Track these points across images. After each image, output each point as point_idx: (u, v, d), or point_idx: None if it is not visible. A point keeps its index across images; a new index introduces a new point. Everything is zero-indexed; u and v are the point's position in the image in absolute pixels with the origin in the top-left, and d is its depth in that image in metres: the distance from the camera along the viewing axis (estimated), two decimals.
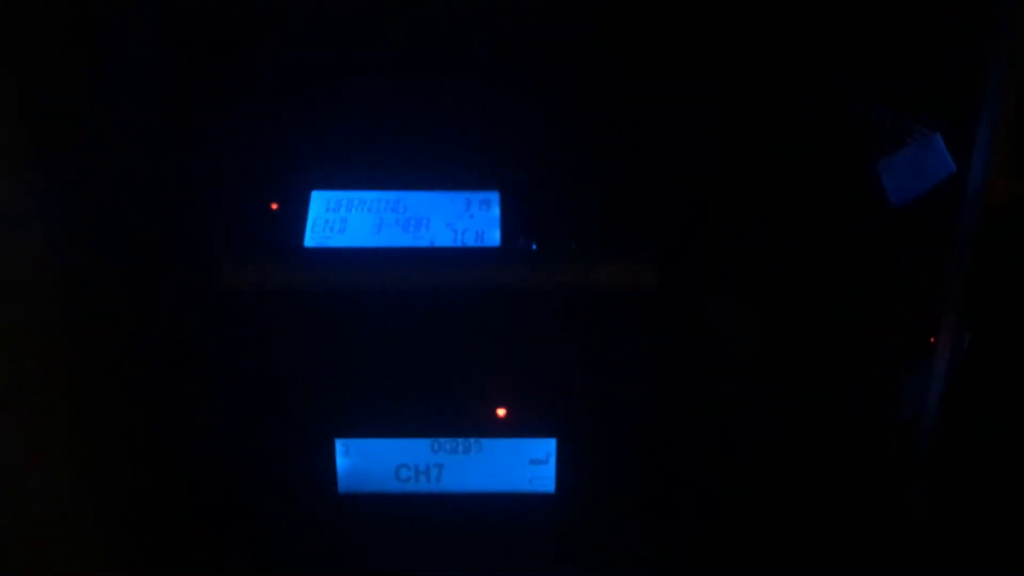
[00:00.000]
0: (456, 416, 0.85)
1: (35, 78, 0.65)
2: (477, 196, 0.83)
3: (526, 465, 0.85)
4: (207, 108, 0.81)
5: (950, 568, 0.80)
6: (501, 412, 0.85)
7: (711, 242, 0.82)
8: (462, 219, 0.82)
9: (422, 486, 0.86)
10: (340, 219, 0.82)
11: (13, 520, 0.65)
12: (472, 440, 0.85)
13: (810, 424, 0.84)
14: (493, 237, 0.82)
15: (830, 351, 0.82)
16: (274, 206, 0.83)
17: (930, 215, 0.73)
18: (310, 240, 0.81)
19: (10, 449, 0.65)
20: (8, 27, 0.63)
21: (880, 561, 0.83)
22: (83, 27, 0.72)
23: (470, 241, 0.81)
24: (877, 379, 0.81)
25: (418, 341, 0.84)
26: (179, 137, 0.80)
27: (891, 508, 0.81)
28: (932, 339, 0.75)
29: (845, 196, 0.77)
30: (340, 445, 0.85)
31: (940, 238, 0.73)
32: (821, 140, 0.79)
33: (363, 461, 0.85)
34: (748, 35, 0.79)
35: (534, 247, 0.81)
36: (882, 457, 0.82)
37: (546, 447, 0.85)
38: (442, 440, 0.85)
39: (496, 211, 0.83)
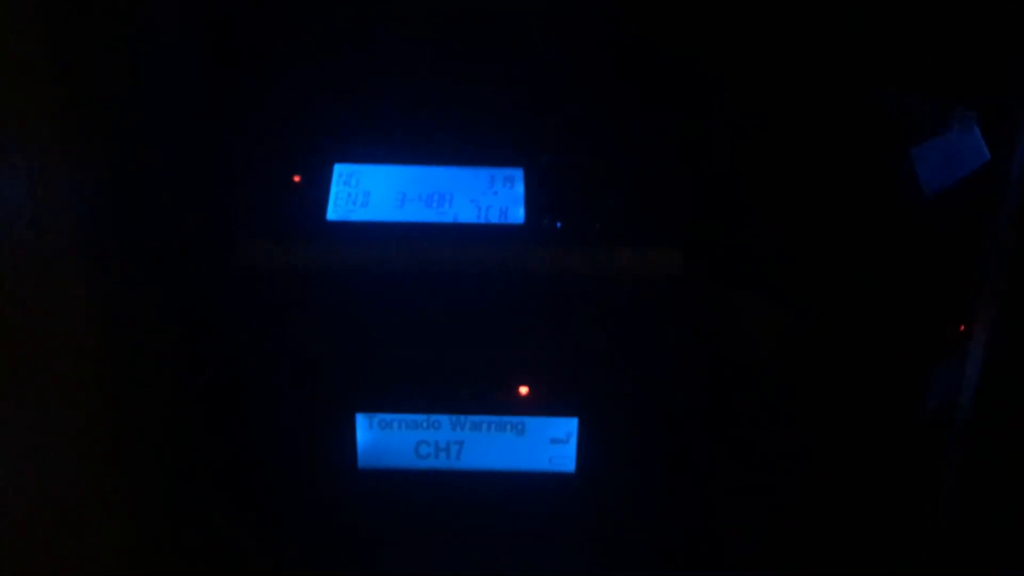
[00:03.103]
0: (478, 394, 0.84)
1: (65, 63, 0.65)
2: (501, 172, 0.82)
3: (547, 444, 0.85)
4: (231, 82, 0.80)
5: (978, 570, 0.79)
6: (523, 390, 0.84)
7: (738, 228, 0.81)
8: (486, 195, 0.81)
9: (442, 463, 0.85)
10: (363, 193, 0.82)
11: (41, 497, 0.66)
12: (493, 418, 0.84)
13: (835, 413, 0.83)
14: (517, 214, 0.81)
15: (857, 340, 0.81)
16: (296, 178, 0.82)
17: (961, 203, 0.72)
18: (332, 213, 0.81)
19: (34, 424, 0.65)
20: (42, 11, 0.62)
21: (906, 561, 0.82)
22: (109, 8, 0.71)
23: (494, 218, 0.81)
24: (905, 369, 0.79)
25: (440, 317, 0.83)
26: (201, 111, 0.80)
27: (919, 503, 0.80)
28: (962, 327, 0.74)
29: (877, 183, 0.75)
30: (361, 420, 0.85)
31: (971, 226, 0.72)
32: (854, 126, 0.77)
33: (383, 436, 0.85)
34: (782, 17, 0.78)
35: (558, 225, 0.80)
36: (910, 450, 0.81)
37: (567, 427, 0.84)
38: (463, 417, 0.84)
39: (520, 188, 0.82)
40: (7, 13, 0.57)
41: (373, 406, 0.84)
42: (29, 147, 0.60)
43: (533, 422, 0.84)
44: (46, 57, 0.62)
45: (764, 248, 0.81)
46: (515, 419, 0.84)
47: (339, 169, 0.82)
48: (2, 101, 0.57)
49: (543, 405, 0.84)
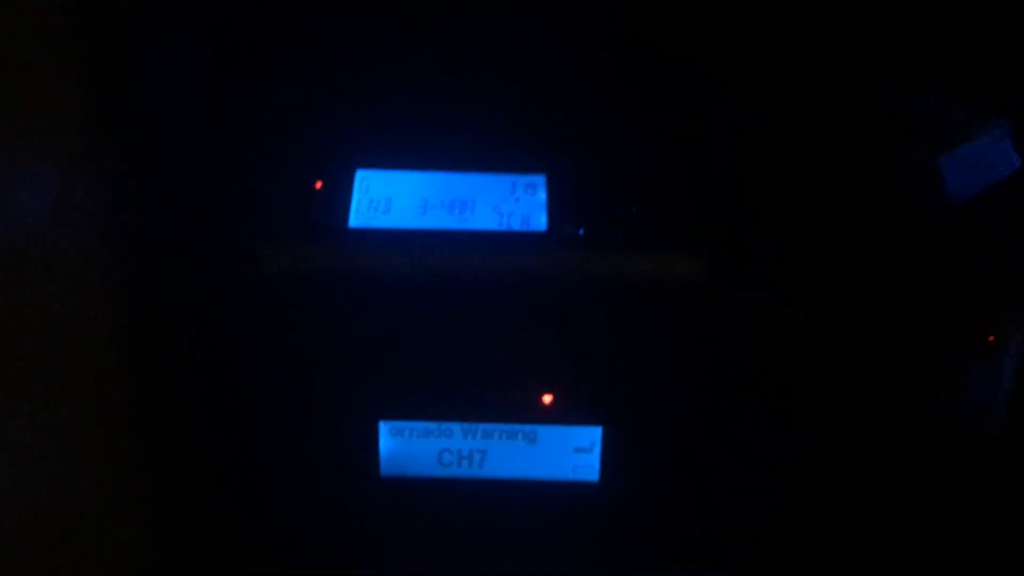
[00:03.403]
0: (501, 402, 0.84)
1: (82, 66, 0.65)
2: (523, 179, 0.82)
3: (570, 453, 0.84)
4: (252, 87, 0.80)
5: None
6: (547, 399, 0.84)
7: (762, 233, 0.80)
8: (508, 203, 0.81)
9: (464, 471, 0.85)
10: (385, 199, 0.81)
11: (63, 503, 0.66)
12: (516, 426, 0.84)
13: (860, 420, 0.82)
14: (539, 221, 0.80)
15: (882, 347, 0.80)
16: (318, 185, 0.82)
17: (990, 209, 0.70)
18: (354, 220, 0.80)
19: (57, 429, 0.65)
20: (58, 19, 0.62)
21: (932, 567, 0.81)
22: (124, 8, 0.71)
23: (516, 225, 0.80)
24: (934, 378, 0.78)
25: (463, 325, 0.83)
26: (223, 116, 0.80)
27: (941, 511, 0.79)
28: (991, 338, 0.73)
29: (905, 190, 0.74)
30: (384, 428, 0.84)
31: (1000, 233, 0.70)
32: (883, 133, 0.76)
33: (406, 444, 0.85)
34: (811, 21, 0.77)
35: (581, 232, 0.79)
36: (935, 459, 0.79)
37: (591, 435, 0.84)
38: (486, 425, 0.84)
39: (542, 195, 0.81)
40: (34, 26, 0.58)
41: (396, 414, 0.84)
42: (54, 156, 0.61)
43: (556, 431, 0.84)
44: (72, 69, 0.63)
45: (791, 254, 0.80)
46: (538, 427, 0.84)
47: (361, 175, 0.82)
48: (28, 111, 0.58)
49: (566, 413, 0.83)
